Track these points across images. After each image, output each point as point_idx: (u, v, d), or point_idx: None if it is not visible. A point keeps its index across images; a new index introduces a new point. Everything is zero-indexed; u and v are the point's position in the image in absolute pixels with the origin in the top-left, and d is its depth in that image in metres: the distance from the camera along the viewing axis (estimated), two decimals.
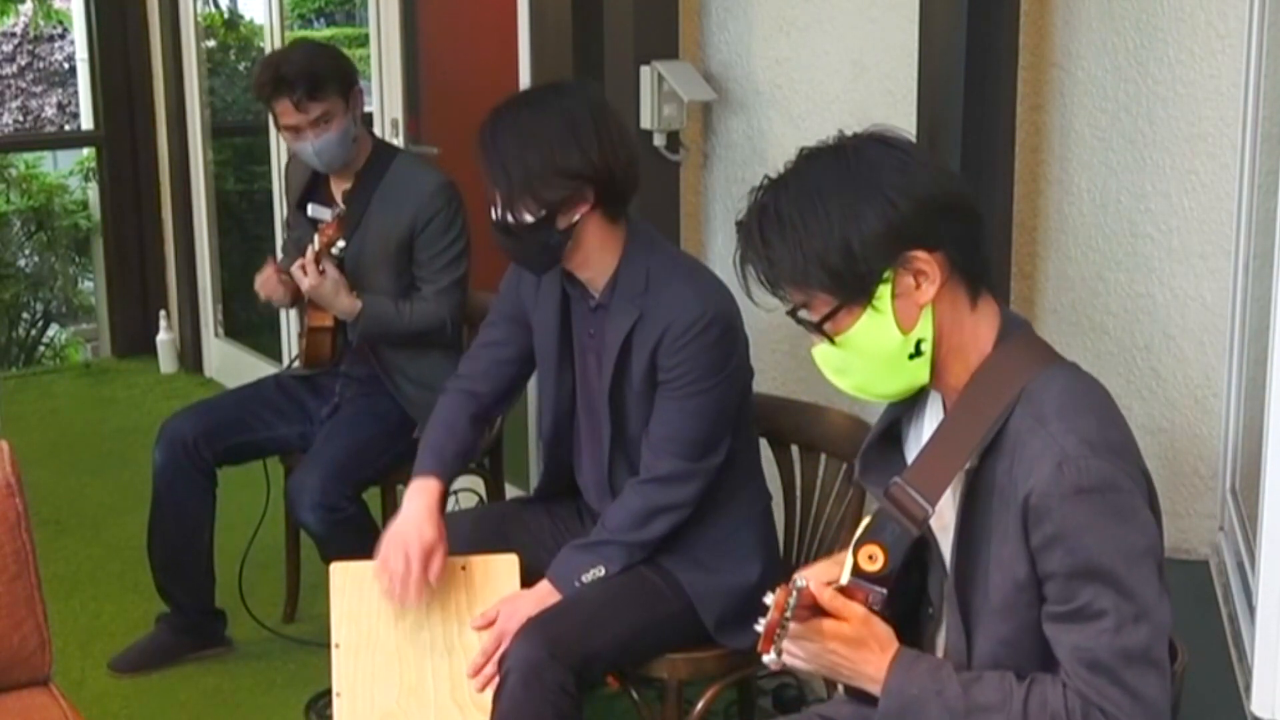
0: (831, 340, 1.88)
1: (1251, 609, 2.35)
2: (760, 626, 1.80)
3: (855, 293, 1.84)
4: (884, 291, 1.84)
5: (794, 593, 1.80)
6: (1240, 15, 2.63)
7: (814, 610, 1.86)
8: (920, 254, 1.83)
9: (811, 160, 1.90)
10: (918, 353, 1.87)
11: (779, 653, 1.82)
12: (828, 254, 1.83)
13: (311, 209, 3.58)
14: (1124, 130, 2.83)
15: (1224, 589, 2.64)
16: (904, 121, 3.10)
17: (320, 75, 3.46)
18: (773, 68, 3.50)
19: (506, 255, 2.73)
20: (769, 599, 1.81)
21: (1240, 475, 2.69)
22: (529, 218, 2.60)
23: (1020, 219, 2.99)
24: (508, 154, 2.58)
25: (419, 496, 2.73)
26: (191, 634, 3.73)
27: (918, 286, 1.85)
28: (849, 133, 1.93)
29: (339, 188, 3.62)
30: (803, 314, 1.89)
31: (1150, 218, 2.82)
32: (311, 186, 3.67)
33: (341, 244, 3.43)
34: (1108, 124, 2.86)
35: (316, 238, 3.44)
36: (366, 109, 4.09)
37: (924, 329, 1.86)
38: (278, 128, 3.59)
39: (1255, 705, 2.24)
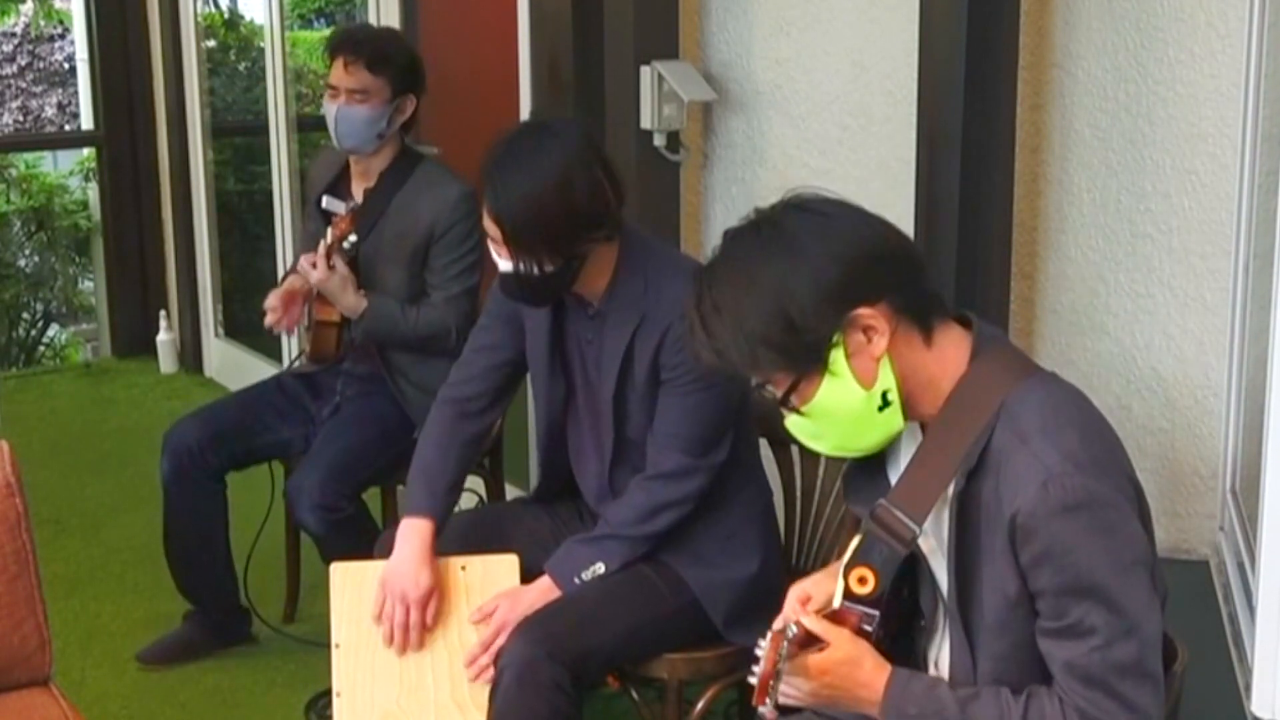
0: (799, 412, 1.88)
1: (1251, 609, 2.36)
2: (754, 679, 1.81)
3: (808, 362, 1.84)
4: (837, 355, 1.83)
5: (784, 642, 1.80)
6: (1240, 15, 2.63)
7: (805, 641, 1.87)
8: (863, 310, 1.82)
9: (735, 242, 1.89)
10: (885, 404, 1.86)
11: (774, 704, 1.82)
12: (770, 332, 1.82)
13: (326, 201, 3.58)
14: (1124, 130, 2.84)
15: (1224, 589, 2.64)
16: (904, 122, 3.11)
17: (383, 55, 3.50)
18: (773, 68, 3.50)
19: (512, 299, 2.71)
20: (760, 650, 1.81)
21: (1240, 475, 2.69)
22: (550, 267, 2.59)
23: (1020, 219, 2.99)
24: (526, 220, 2.55)
25: (413, 538, 2.71)
26: (217, 631, 3.75)
27: (869, 341, 1.84)
28: (767, 205, 1.91)
29: (360, 186, 3.62)
30: (766, 390, 1.89)
31: (1150, 218, 2.82)
32: (334, 183, 3.67)
33: (353, 238, 3.42)
34: (1108, 124, 2.86)
35: (329, 231, 3.44)
36: None
37: (885, 380, 1.86)
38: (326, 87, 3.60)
39: (1255, 705, 2.24)
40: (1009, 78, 2.85)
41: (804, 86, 3.43)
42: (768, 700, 1.80)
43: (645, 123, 3.47)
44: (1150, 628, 1.80)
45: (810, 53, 3.40)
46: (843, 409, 1.86)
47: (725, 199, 3.67)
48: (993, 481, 1.82)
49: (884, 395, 1.85)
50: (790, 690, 1.88)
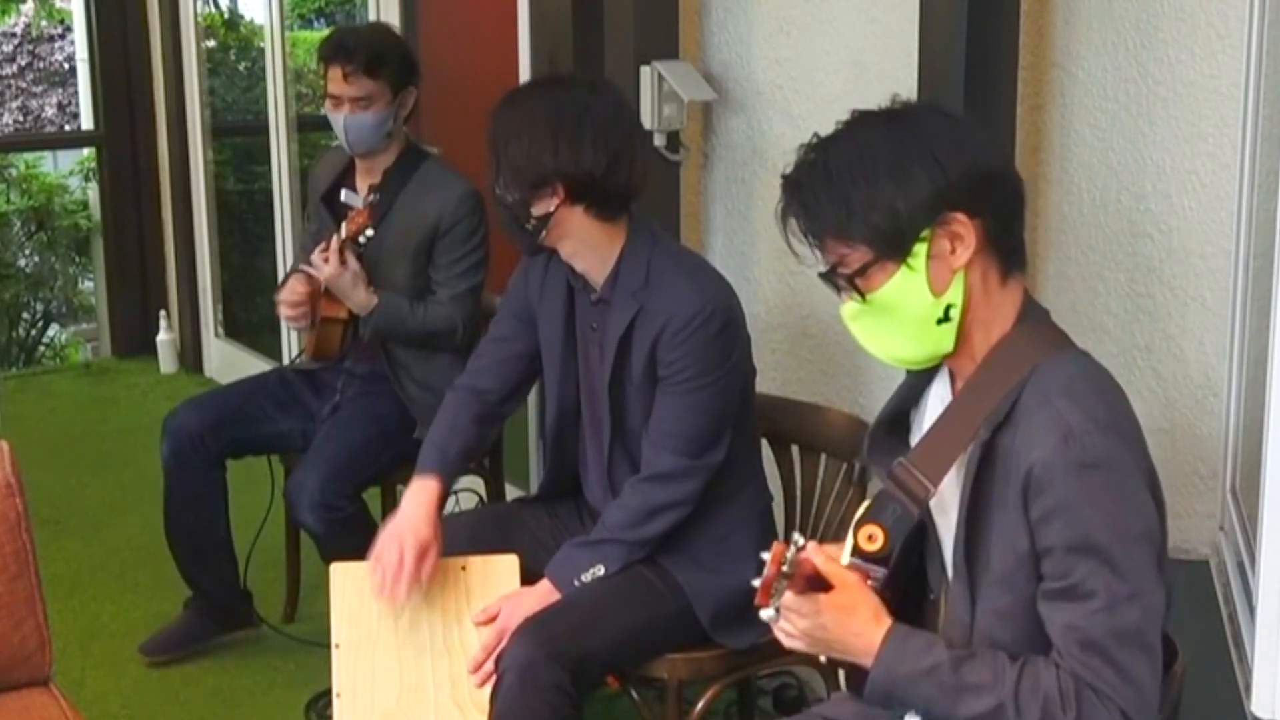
0: (863, 297, 1.89)
1: (1251, 609, 2.35)
2: (758, 582, 1.80)
3: (893, 248, 1.86)
4: (920, 250, 1.86)
5: (792, 547, 1.79)
6: (1240, 15, 2.63)
7: (812, 580, 1.86)
8: (959, 216, 1.85)
9: (865, 121, 1.92)
10: (946, 318, 1.89)
11: (776, 609, 1.82)
12: (872, 209, 1.84)
13: (345, 194, 3.59)
14: (1124, 130, 2.83)
15: (1224, 589, 2.64)
16: None
17: (378, 57, 3.50)
18: (773, 68, 3.50)
19: (499, 226, 2.81)
20: (766, 555, 1.80)
21: (1240, 475, 2.69)
22: (508, 197, 2.67)
23: None
24: (499, 134, 2.67)
25: (418, 496, 2.74)
26: (220, 616, 3.76)
27: (953, 250, 1.86)
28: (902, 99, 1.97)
29: (364, 183, 3.62)
30: (839, 269, 1.90)
31: (1150, 218, 2.82)
32: (337, 182, 3.67)
33: (370, 232, 3.42)
34: (1108, 124, 2.86)
35: (344, 226, 3.44)
36: None
37: (954, 294, 1.88)
38: (323, 95, 3.59)
39: (1255, 705, 2.24)
40: (1009, 78, 2.85)
41: (804, 86, 3.43)
42: (770, 603, 1.80)
43: (645, 123, 3.46)
44: (1153, 601, 1.80)
45: (810, 53, 3.40)
46: (906, 307, 1.88)
47: (725, 199, 3.67)
48: (1012, 435, 1.84)
49: (947, 309, 1.88)
50: (787, 627, 1.88)
